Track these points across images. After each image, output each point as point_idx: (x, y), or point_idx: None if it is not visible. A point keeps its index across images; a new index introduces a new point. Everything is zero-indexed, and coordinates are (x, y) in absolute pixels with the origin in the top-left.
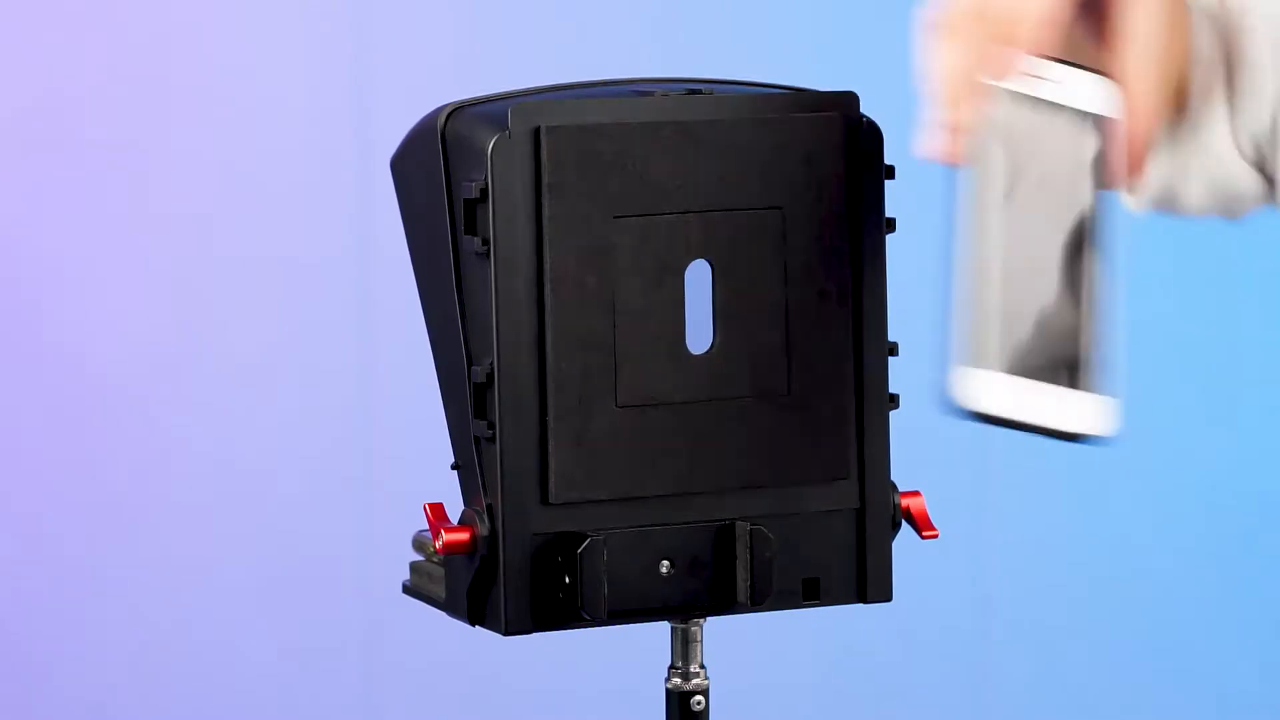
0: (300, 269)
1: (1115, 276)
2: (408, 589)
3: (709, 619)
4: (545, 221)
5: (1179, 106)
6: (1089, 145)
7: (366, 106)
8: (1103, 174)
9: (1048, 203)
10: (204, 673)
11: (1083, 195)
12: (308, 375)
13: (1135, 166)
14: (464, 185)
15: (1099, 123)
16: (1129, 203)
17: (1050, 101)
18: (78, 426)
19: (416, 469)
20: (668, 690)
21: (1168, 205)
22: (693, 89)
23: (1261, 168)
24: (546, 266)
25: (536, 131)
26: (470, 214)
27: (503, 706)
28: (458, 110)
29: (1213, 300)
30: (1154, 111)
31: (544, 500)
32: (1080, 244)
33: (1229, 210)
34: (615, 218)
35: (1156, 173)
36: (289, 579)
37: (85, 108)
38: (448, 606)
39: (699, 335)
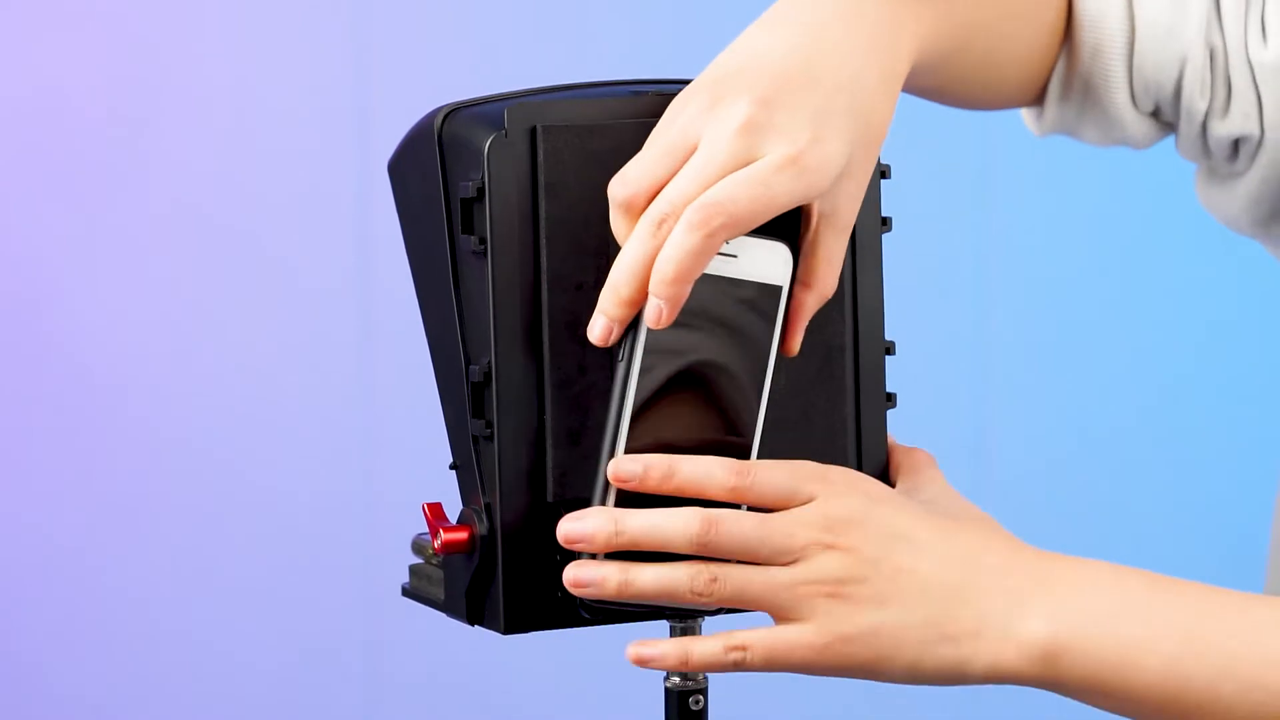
0: (301, 273)
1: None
2: (407, 591)
3: (707, 618)
4: (542, 221)
5: (1071, 68)
6: (768, 313)
7: (367, 109)
8: (782, 341)
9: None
10: (205, 675)
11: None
12: (309, 377)
13: (794, 333)
14: (461, 185)
15: (777, 292)
16: (1032, 127)
17: (732, 278)
18: (78, 430)
19: (419, 471)
20: (666, 689)
21: (1067, 135)
22: None
23: (1157, 116)
24: (543, 266)
25: (533, 131)
26: (467, 213)
27: (503, 707)
28: (454, 112)
29: (1209, 305)
30: (830, 283)
31: (542, 499)
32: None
33: (1127, 145)
34: None
35: (1052, 115)
36: (291, 581)
37: (85, 111)
38: (447, 607)
39: None
